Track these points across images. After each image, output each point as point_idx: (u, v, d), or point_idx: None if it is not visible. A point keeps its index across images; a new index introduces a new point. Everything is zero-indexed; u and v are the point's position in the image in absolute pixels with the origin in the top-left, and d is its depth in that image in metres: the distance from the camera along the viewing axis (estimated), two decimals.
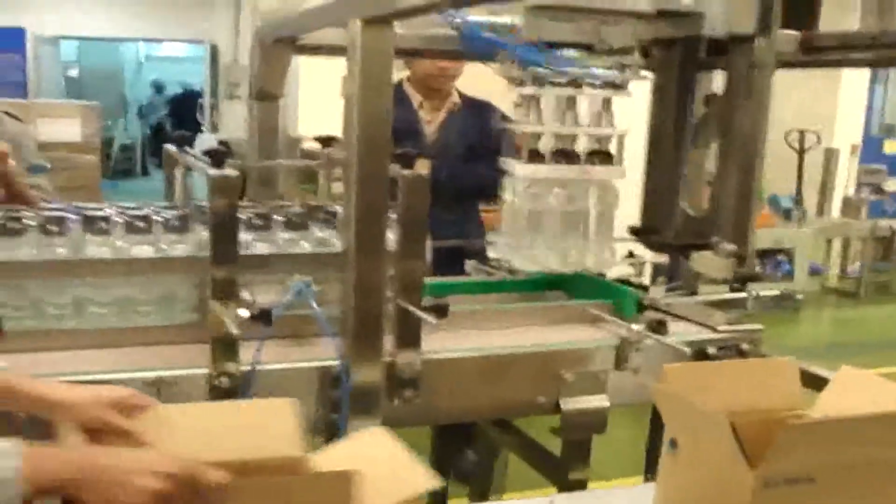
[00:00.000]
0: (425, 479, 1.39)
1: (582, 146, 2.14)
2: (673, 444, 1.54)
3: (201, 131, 13.41)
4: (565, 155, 2.10)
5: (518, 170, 2.07)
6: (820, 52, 2.32)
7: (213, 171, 1.82)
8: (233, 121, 12.31)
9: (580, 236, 2.18)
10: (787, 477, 1.38)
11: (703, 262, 2.05)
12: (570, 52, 2.00)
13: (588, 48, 2.02)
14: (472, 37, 2.01)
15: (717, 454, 1.42)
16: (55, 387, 1.47)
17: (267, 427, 1.40)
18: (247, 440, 1.36)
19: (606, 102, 2.10)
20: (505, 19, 1.99)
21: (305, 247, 2.15)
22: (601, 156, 2.12)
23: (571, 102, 2.09)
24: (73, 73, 17.34)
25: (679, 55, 2.10)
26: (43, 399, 1.43)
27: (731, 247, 1.97)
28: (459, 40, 2.05)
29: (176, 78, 18.52)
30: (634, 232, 2.28)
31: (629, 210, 2.30)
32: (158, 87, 18.77)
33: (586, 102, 2.10)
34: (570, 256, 2.18)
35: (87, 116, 7.98)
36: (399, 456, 1.44)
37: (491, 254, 2.35)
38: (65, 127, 7.70)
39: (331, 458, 1.44)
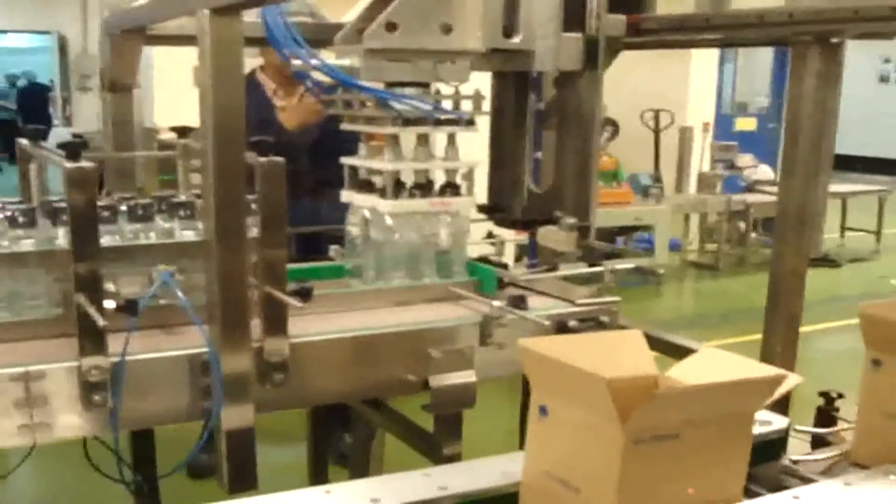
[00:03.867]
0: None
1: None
2: (543, 410, 1.61)
3: (54, 125, 13.02)
4: (422, 188, 2.34)
5: (382, 206, 2.31)
6: (647, 34, 2.46)
7: (68, 164, 1.79)
8: (86, 114, 11.97)
9: (434, 263, 2.44)
10: (655, 434, 1.47)
11: (548, 235, 2.17)
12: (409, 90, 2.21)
13: (425, 86, 2.22)
14: (331, 73, 2.26)
15: (589, 415, 1.49)
16: None
17: None
18: None
19: (451, 138, 2.33)
20: (344, 61, 2.20)
21: (178, 237, 2.15)
22: (453, 188, 2.35)
23: (425, 139, 2.31)
24: None
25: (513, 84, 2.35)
26: None
27: (572, 220, 2.08)
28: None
29: (22, 70, 17.87)
30: (483, 210, 2.38)
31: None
32: (12, 81, 18.01)
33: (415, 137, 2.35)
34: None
35: None
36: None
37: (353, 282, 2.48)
38: None
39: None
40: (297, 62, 2.20)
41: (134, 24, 2.44)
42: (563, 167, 2.21)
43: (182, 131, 2.49)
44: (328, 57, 2.26)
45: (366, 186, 2.44)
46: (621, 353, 1.68)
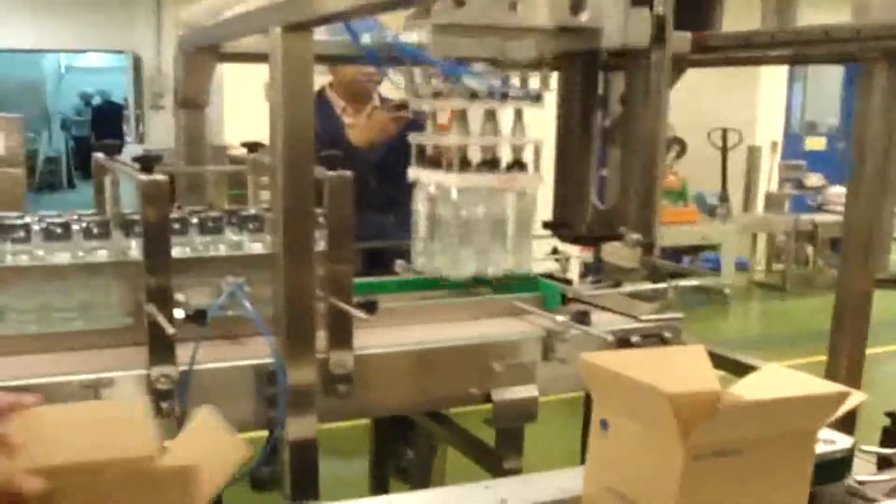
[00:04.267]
0: (240, 446, 1.44)
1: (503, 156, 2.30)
2: (604, 424, 1.61)
3: (127, 142, 13.26)
4: (489, 164, 2.26)
5: (450, 180, 2.22)
6: (714, 52, 2.45)
7: (142, 177, 1.84)
8: (159, 131, 12.21)
9: (502, 242, 2.32)
10: (715, 450, 1.47)
11: (612, 251, 2.17)
12: (478, 67, 2.14)
13: (493, 63, 2.15)
14: (400, 49, 2.12)
15: (650, 429, 1.50)
16: None
17: (120, 426, 1.38)
18: (100, 440, 1.34)
19: (519, 114, 2.26)
20: (412, 38, 2.11)
21: (247, 249, 2.20)
22: (519, 165, 2.27)
23: (492, 115, 2.24)
24: None
25: (581, 65, 2.22)
26: None
27: (636, 236, 2.08)
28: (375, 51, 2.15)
29: (97, 88, 18.25)
30: (548, 226, 2.38)
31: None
32: (87, 99, 18.40)
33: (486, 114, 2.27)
34: (493, 261, 2.33)
35: (10, 129, 7.80)
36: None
37: (418, 264, 2.44)
38: None
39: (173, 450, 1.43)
40: (367, 39, 2.15)
41: (208, 41, 2.50)
42: (628, 183, 2.20)
43: (252, 146, 2.54)
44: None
45: (432, 163, 2.37)
46: (683, 369, 1.67)
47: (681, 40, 2.38)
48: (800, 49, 2.51)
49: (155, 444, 1.35)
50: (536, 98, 2.24)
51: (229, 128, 7.09)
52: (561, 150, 2.35)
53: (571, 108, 2.29)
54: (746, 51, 2.53)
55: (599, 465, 1.66)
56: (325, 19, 1.73)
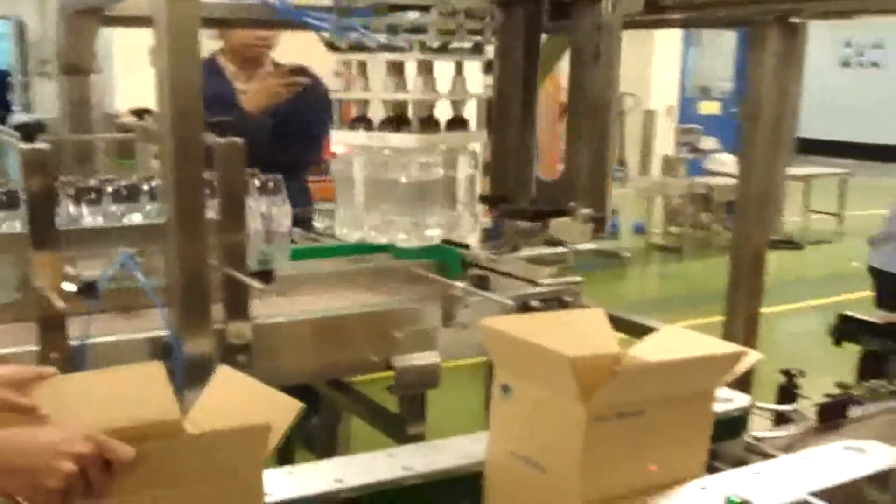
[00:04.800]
0: (291, 404, 1.44)
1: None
2: (506, 389, 1.61)
3: (12, 111, 12.83)
4: (427, 122, 2.11)
5: (398, 140, 2.05)
6: (664, 12, 2.40)
7: (24, 146, 1.77)
8: (46, 99, 11.85)
9: (443, 207, 2.20)
10: (617, 411, 1.48)
11: (562, 227, 2.06)
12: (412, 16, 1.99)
13: (425, 10, 2.00)
14: (285, 10, 2.00)
15: (552, 393, 1.50)
16: None
17: (141, 392, 1.39)
18: (123, 406, 1.35)
19: (459, 66, 2.11)
20: None
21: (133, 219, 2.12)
22: (461, 122, 2.14)
23: (429, 68, 2.08)
24: None
25: (522, 19, 2.08)
26: None
27: (588, 211, 1.98)
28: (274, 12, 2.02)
29: None
30: (485, 200, 2.28)
31: None
32: None
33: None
34: (434, 228, 2.22)
35: None
36: (259, 390, 1.49)
37: (338, 231, 2.36)
38: None
39: (203, 412, 1.47)
40: None
41: (88, 4, 2.41)
42: (576, 154, 2.08)
43: (141, 113, 2.46)
44: None
45: (360, 123, 2.18)
46: (583, 332, 1.68)
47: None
48: (695, 12, 2.50)
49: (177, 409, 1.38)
50: (476, 49, 2.09)
51: (121, 95, 6.89)
52: (499, 114, 2.21)
53: (511, 66, 2.15)
54: (701, 11, 2.45)
55: (503, 429, 1.66)
56: None
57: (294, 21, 2.08)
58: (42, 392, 1.36)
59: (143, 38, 2.48)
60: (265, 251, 2.17)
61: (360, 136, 2.15)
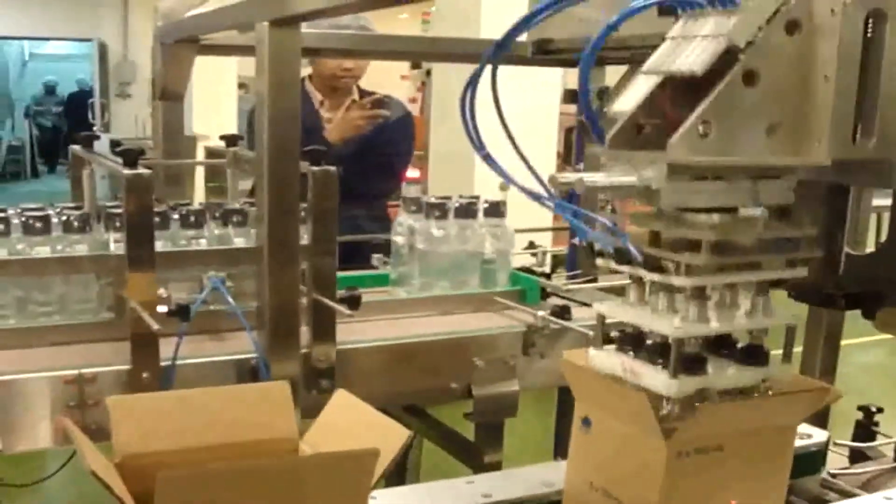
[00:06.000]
0: (401, 431, 1.45)
1: None
2: (587, 422, 1.62)
3: (93, 131, 13.12)
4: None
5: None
6: None
7: (127, 171, 1.83)
8: (125, 120, 12.12)
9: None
10: (697, 446, 1.49)
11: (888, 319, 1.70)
12: None
13: None
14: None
15: (632, 427, 1.51)
16: None
17: (263, 410, 1.45)
18: (245, 423, 1.41)
19: None
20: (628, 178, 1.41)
21: (234, 243, 2.19)
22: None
23: None
24: None
25: None
26: None
27: None
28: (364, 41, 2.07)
29: (62, 77, 18.05)
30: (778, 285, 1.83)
31: None
32: (50, 89, 18.12)
33: None
34: None
35: None
36: (373, 416, 1.50)
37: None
38: None
39: (318, 434, 1.50)
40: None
41: (187, 34, 2.48)
42: None
43: (231, 139, 2.53)
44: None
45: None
46: None
47: None
48: None
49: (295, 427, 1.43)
50: None
51: (196, 117, 7.04)
52: None
53: None
54: None
55: (582, 460, 1.67)
56: (314, 14, 1.73)
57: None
58: (169, 404, 1.41)
59: (211, 64, 2.56)
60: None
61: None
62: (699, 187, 1.20)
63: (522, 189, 1.15)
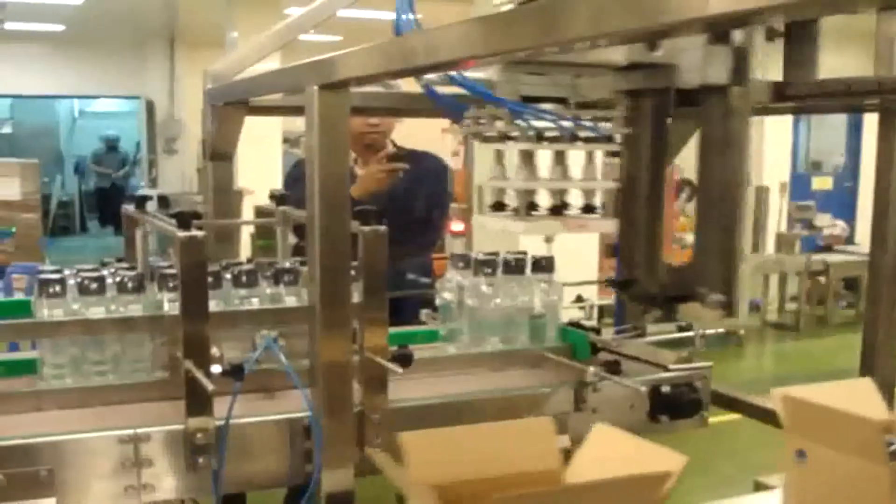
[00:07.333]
0: (676, 457, 1.45)
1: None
2: (801, 454, 1.66)
3: (140, 186, 13.37)
4: (558, 209, 2.11)
5: (514, 227, 2.09)
6: (791, 100, 2.40)
7: (181, 233, 1.86)
8: (170, 175, 12.33)
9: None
10: None
11: (693, 313, 2.06)
12: (546, 106, 1.97)
13: (562, 101, 2.01)
14: (436, 97, 2.00)
15: (855, 457, 1.55)
16: None
17: (527, 444, 1.50)
18: (510, 456, 1.47)
19: (590, 155, 2.11)
20: (478, 74, 1.95)
21: (286, 302, 2.22)
22: (591, 211, 2.14)
23: (561, 156, 2.08)
24: (7, 129, 17.20)
25: (650, 106, 2.10)
26: None
27: (718, 297, 1.97)
28: (431, 99, 2.01)
29: (110, 133, 18.36)
30: (613, 284, 2.30)
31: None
32: (112, 145, 18.30)
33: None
34: None
35: (26, 174, 7.72)
36: (640, 444, 1.51)
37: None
38: (3, 186, 7.51)
39: (581, 465, 1.54)
40: (431, 76, 1.95)
41: (238, 97, 2.53)
42: (705, 239, 2.07)
43: (280, 198, 2.57)
44: None
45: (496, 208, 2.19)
46: (865, 400, 1.72)
47: (760, 88, 2.30)
48: (825, 100, 2.50)
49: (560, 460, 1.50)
50: (608, 139, 2.07)
51: (240, 172, 7.14)
52: (627, 199, 2.20)
53: (639, 153, 2.14)
54: (831, 99, 2.47)
55: (798, 493, 1.72)
56: (363, 80, 1.75)
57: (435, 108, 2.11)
58: (438, 441, 1.47)
59: (252, 123, 2.60)
60: None
61: (498, 221, 2.19)
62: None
63: None
